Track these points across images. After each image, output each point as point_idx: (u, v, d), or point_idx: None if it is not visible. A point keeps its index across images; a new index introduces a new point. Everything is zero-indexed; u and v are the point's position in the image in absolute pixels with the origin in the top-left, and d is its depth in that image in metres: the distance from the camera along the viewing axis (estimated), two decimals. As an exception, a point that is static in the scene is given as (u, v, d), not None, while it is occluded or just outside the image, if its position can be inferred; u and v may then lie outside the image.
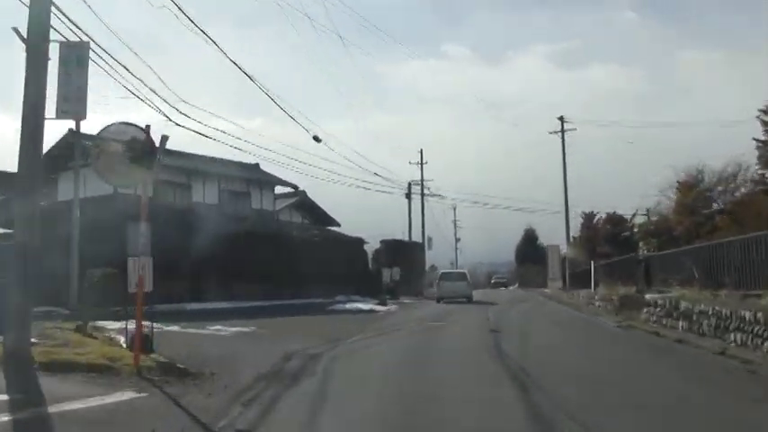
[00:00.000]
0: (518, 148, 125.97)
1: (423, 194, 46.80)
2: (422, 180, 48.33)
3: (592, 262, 28.64)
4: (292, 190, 40.40)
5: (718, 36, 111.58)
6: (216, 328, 15.10)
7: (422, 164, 48.76)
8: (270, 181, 32.31)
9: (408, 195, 41.51)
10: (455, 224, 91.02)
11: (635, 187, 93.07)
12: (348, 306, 24.95)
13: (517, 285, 79.75)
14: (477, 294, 36.92)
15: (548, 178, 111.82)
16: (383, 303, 26.59)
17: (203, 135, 20.01)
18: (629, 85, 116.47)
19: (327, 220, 41.64)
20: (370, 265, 37.85)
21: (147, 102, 16.40)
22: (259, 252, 28.01)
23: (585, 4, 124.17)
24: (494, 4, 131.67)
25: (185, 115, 18.74)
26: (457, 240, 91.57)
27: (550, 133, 40.20)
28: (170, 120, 18.04)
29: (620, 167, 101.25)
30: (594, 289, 28.35)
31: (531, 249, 73.47)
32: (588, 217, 45.76)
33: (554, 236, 69.17)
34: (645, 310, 16.80)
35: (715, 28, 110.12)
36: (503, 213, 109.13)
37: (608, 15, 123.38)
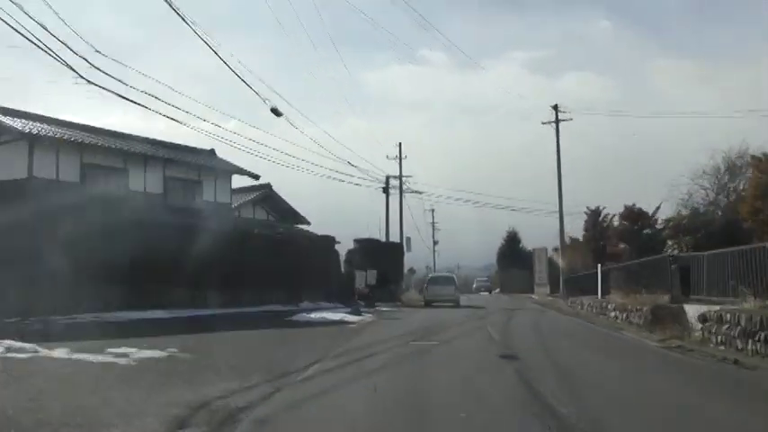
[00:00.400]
0: (498, 152, 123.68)
1: (401, 190, 42.65)
2: (400, 175, 44.18)
3: (599, 265, 24.65)
4: (255, 183, 36.07)
5: (691, 46, 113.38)
6: (119, 352, 10.70)
7: (400, 158, 44.64)
8: (227, 169, 27.76)
9: (386, 189, 37.27)
10: (433, 226, 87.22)
11: (637, 184, 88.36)
12: (313, 316, 20.63)
13: (498, 290, 76.09)
14: (461, 299, 34.30)
15: (531, 180, 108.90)
16: (356, 312, 22.31)
17: (128, 99, 15.57)
18: (602, 93, 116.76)
19: (296, 217, 37.27)
20: (342, 268, 33.55)
21: (44, 47, 12.14)
22: (212, 251, 23.56)
23: (561, 13, 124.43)
24: (470, 12, 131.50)
25: (101, 71, 14.40)
26: (435, 243, 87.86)
27: (543, 123, 36.32)
28: (79, 75, 13.79)
29: (619, 164, 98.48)
30: (603, 296, 24.40)
31: (513, 252, 69.68)
32: (594, 214, 40.96)
33: (546, 238, 65.74)
34: (699, 326, 12.80)
35: (687, 38, 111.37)
36: (483, 215, 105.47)
37: (583, 24, 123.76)
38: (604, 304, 21.81)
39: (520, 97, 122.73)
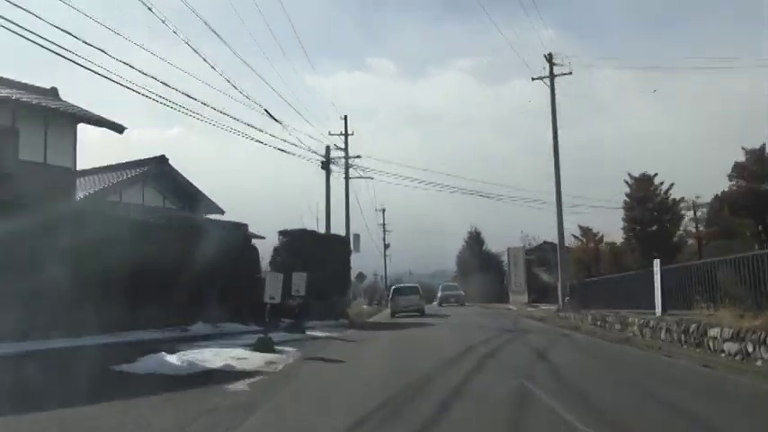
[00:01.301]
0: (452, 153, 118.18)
1: (347, 169, 33.16)
2: (346, 154, 34.68)
3: (656, 262, 15.70)
4: (145, 156, 26.37)
5: (632, 55, 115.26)
6: None
7: (346, 134, 35.15)
8: (69, 114, 17.58)
9: (326, 164, 27.38)
10: (384, 228, 78.06)
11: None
12: (174, 359, 10.71)
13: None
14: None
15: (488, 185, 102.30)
16: (265, 346, 12.55)
17: None
18: (545, 99, 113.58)
19: (202, 203, 27.36)
20: (263, 271, 23.76)
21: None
22: (36, 244, 13.76)
23: (506, 21, 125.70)
24: (416, 20, 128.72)
25: None
26: (386, 246, 78.64)
27: (534, 79, 27.38)
28: None
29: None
30: (664, 312, 15.42)
31: (476, 255, 60.75)
32: (642, 183, 29.22)
33: (511, 240, 57.20)
34: None
35: (628, 47, 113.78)
36: (438, 214, 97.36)
37: (527, 32, 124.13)
38: (691, 329, 12.69)
39: (463, 105, 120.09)
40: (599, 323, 18.90)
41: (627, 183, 28.72)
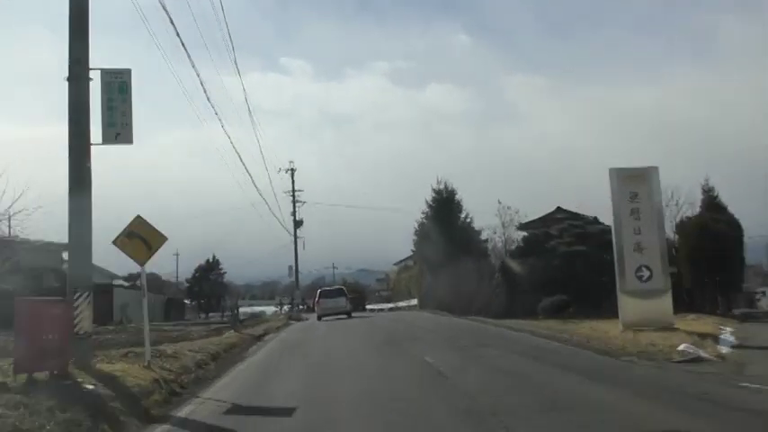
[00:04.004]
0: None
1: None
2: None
3: None
4: None
5: (542, 62, 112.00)
6: None
7: None
8: None
9: None
10: (294, 197, 51.82)
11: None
12: None
13: (414, 304, 42.49)
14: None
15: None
16: None
17: None
18: (464, 104, 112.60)
19: None
20: None
21: None
22: None
23: (422, 26, 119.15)
24: (333, 23, 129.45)
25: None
26: (297, 224, 52.02)
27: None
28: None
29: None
30: None
31: (445, 232, 34.39)
32: None
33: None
34: None
35: (539, 55, 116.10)
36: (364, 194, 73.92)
37: (443, 37, 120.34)
38: None
39: (381, 108, 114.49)
40: None
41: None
